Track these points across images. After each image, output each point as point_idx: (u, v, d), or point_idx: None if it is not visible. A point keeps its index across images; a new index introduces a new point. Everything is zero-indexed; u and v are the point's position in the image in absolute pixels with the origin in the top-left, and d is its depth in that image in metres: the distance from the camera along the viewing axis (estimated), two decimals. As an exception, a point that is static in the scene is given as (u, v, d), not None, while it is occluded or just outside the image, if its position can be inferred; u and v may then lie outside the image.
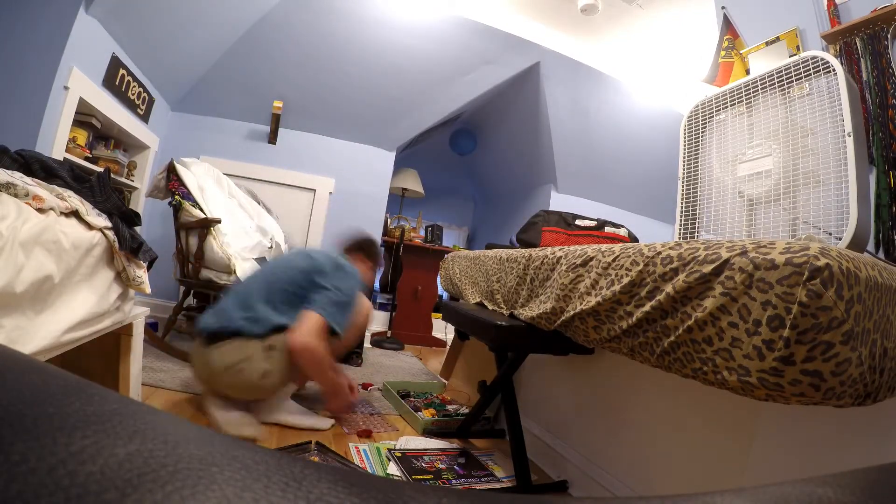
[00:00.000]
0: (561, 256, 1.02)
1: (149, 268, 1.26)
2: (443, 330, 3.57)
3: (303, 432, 1.36)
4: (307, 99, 3.11)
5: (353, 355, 2.42)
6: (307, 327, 1.28)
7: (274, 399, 1.38)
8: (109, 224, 1.03)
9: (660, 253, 0.73)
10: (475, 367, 2.04)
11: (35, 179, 0.88)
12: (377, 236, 3.39)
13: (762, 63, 2.00)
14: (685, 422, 0.94)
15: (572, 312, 0.91)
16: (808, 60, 0.98)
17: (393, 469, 1.19)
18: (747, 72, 2.08)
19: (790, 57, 1.08)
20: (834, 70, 0.93)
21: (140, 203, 2.72)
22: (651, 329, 0.72)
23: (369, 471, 1.16)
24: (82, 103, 2.03)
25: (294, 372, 1.33)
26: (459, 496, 0.13)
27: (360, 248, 1.74)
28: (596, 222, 1.80)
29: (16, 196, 0.75)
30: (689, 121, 1.27)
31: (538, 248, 1.20)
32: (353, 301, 1.43)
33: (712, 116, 1.23)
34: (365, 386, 1.98)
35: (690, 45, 3.10)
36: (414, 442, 1.39)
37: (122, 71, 2.30)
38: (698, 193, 1.22)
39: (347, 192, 3.31)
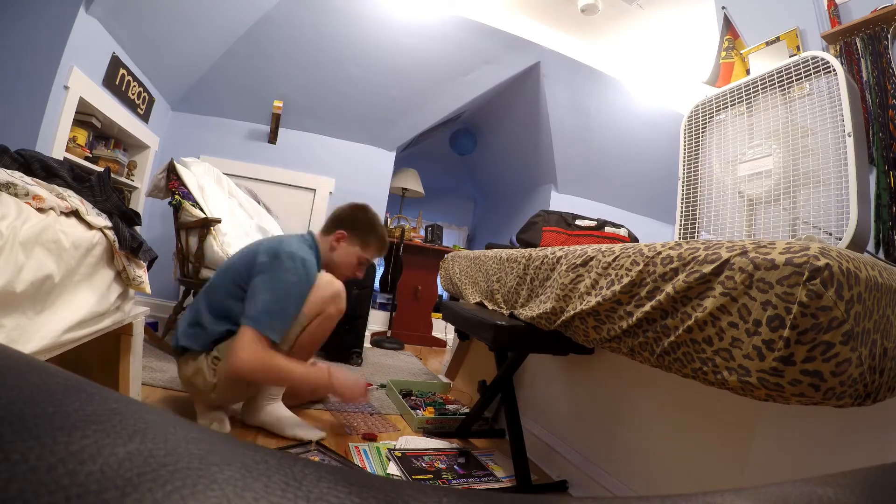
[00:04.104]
0: (561, 256, 1.02)
1: (149, 267, 1.26)
2: (443, 330, 3.57)
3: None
4: (307, 99, 3.11)
5: (352, 354, 2.42)
6: (238, 345, 1.14)
7: (260, 401, 1.34)
8: (109, 224, 1.03)
9: (660, 253, 0.73)
10: (477, 368, 2.05)
11: (35, 179, 0.88)
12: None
13: (762, 63, 2.00)
14: (685, 422, 0.94)
15: (572, 312, 0.91)
16: (808, 60, 0.98)
17: (393, 469, 1.19)
18: (747, 72, 2.08)
19: (790, 57, 1.08)
20: (834, 70, 0.93)
21: (140, 203, 2.72)
22: (651, 329, 0.72)
23: (369, 471, 1.16)
24: (82, 103, 2.03)
25: (249, 382, 1.26)
26: (459, 496, 0.13)
27: (337, 223, 1.43)
28: (596, 222, 1.80)
29: (16, 195, 0.75)
30: (689, 121, 1.27)
31: (538, 248, 1.20)
32: (290, 297, 1.22)
33: (712, 116, 1.23)
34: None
35: (690, 45, 3.10)
36: (414, 442, 1.39)
37: (122, 71, 2.30)
38: (698, 193, 1.22)
39: (347, 192, 3.31)
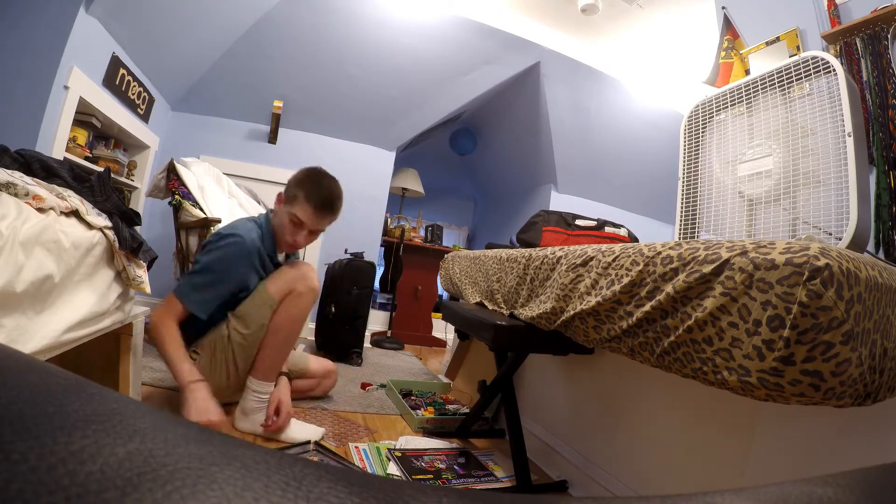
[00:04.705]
0: (561, 256, 1.02)
1: (149, 267, 1.25)
2: (443, 330, 3.57)
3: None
4: (307, 99, 3.11)
5: (352, 354, 2.42)
6: (159, 311, 1.23)
7: (248, 406, 1.29)
8: (109, 224, 1.03)
9: (660, 253, 0.73)
10: (477, 368, 2.04)
11: (35, 179, 0.88)
12: (378, 231, 3.39)
13: (762, 63, 2.00)
14: (685, 422, 0.94)
15: (572, 312, 0.91)
16: (808, 60, 0.98)
17: (393, 469, 1.19)
18: (747, 72, 2.08)
19: (790, 57, 1.08)
20: (834, 70, 0.93)
21: (140, 203, 2.72)
22: (651, 329, 0.72)
23: (369, 471, 1.16)
24: (82, 103, 2.03)
25: (234, 371, 1.30)
26: (459, 496, 0.13)
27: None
28: (596, 222, 1.80)
29: (16, 195, 0.75)
30: (689, 121, 1.27)
31: (538, 248, 1.20)
32: (213, 271, 1.25)
33: (712, 116, 1.23)
34: (363, 386, 1.98)
35: (690, 45, 3.10)
36: (414, 442, 1.39)
37: (122, 70, 2.30)
38: (698, 193, 1.22)
39: (347, 191, 3.26)
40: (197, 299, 1.24)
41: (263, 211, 2.58)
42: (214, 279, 1.26)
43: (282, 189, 1.41)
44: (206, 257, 1.26)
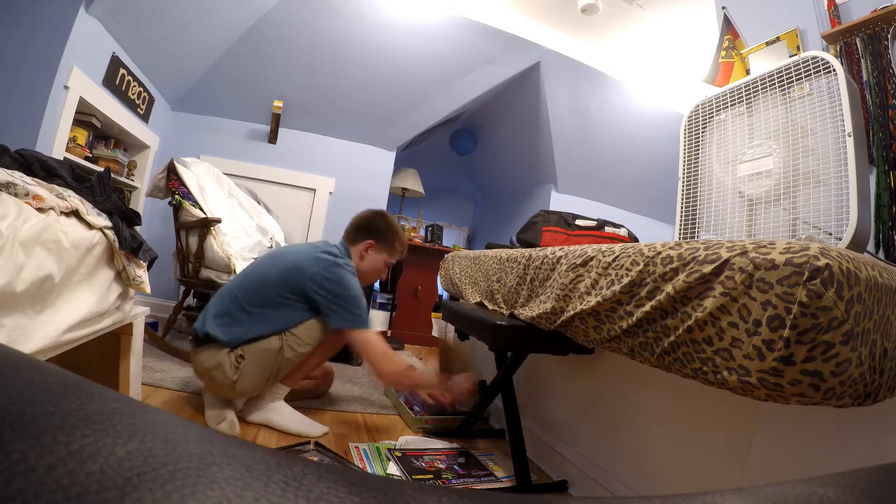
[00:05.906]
0: (561, 256, 1.02)
1: (149, 267, 1.25)
2: (443, 330, 3.57)
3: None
4: (307, 99, 3.11)
5: (352, 354, 2.42)
6: (376, 354, 1.31)
7: (264, 399, 1.36)
8: (109, 223, 1.03)
9: (660, 253, 0.73)
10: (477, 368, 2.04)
11: (35, 179, 0.88)
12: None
13: (762, 63, 2.00)
14: (685, 422, 0.94)
15: (572, 312, 0.91)
16: (808, 60, 0.98)
17: (393, 468, 1.19)
18: (747, 72, 2.08)
19: (790, 57, 1.08)
20: (834, 70, 0.93)
21: (140, 203, 2.72)
22: (651, 329, 0.72)
23: (369, 470, 1.16)
24: (82, 103, 2.03)
25: (272, 379, 1.33)
26: (459, 496, 0.13)
27: (362, 233, 1.53)
28: (596, 222, 1.80)
29: (16, 195, 0.75)
30: (689, 121, 1.27)
31: (538, 248, 1.20)
32: (355, 291, 1.37)
33: (712, 116, 1.23)
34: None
35: (690, 45, 3.10)
36: (414, 442, 1.39)
37: (122, 70, 2.30)
38: (698, 193, 1.22)
39: (347, 191, 3.31)
40: (364, 317, 1.35)
41: (263, 210, 2.60)
42: (359, 294, 1.37)
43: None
44: (343, 282, 1.34)
